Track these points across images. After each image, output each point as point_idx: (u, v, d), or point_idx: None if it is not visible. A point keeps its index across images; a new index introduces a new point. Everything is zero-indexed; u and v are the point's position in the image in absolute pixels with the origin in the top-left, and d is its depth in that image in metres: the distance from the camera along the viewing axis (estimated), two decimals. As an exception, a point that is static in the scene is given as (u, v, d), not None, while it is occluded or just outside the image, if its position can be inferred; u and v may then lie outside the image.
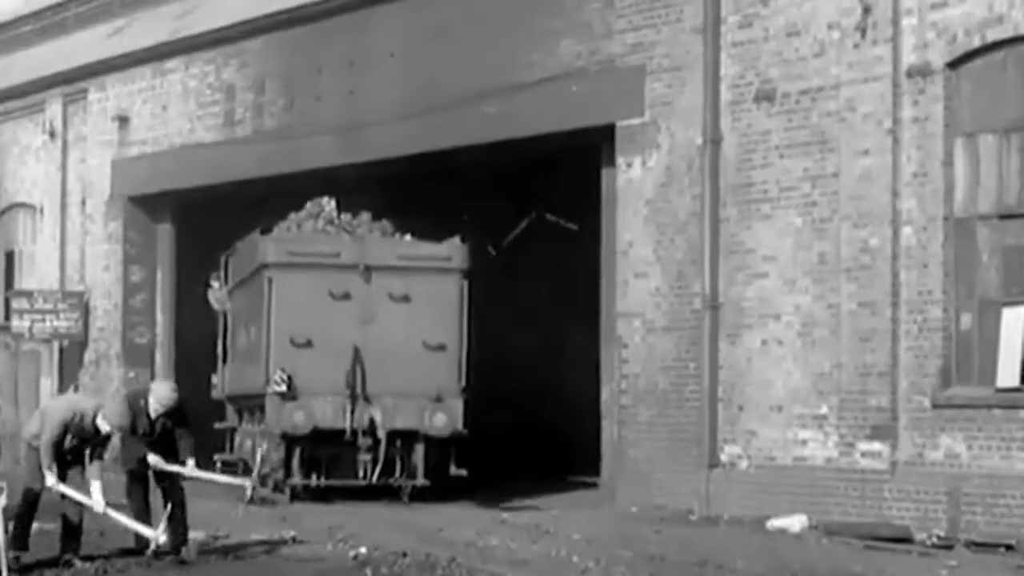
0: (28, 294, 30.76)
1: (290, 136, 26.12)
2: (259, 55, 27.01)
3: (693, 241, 19.96)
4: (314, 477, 21.59)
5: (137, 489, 14.94)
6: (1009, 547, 16.28)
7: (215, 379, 26.50)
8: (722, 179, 19.68)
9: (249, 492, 16.58)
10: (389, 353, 21.45)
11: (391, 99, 24.34)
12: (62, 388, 29.64)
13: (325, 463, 21.61)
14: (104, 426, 14.05)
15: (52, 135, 31.60)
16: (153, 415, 14.70)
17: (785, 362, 18.97)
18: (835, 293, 18.45)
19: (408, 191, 25.29)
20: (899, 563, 15.46)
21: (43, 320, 30.15)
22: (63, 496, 14.18)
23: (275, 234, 22.71)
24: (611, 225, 21.24)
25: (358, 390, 21.42)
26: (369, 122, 24.64)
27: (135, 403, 14.72)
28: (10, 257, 33.64)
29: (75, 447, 14.22)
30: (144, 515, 14.81)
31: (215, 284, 26.54)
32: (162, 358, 29.87)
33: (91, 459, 14.28)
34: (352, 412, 21.37)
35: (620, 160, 20.91)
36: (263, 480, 22.16)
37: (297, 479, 21.54)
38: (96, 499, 14.10)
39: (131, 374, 29.38)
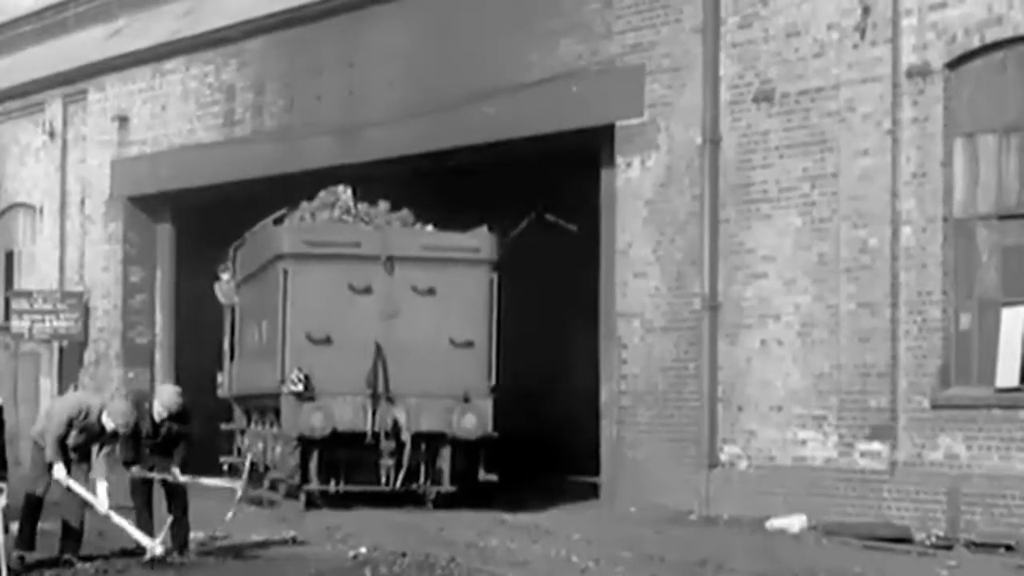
0: (28, 294, 30.75)
1: (290, 136, 26.13)
2: (259, 55, 27.01)
3: (692, 241, 19.96)
4: (332, 483, 20.43)
5: (141, 488, 14.91)
6: (1009, 547, 16.28)
7: (220, 377, 25.63)
8: (721, 179, 19.69)
9: (239, 495, 15.86)
10: (413, 350, 20.42)
11: (391, 99, 24.36)
12: (62, 388, 29.64)
13: (344, 468, 20.45)
14: (109, 424, 14.03)
15: (52, 135, 31.60)
16: (157, 419, 14.67)
17: (784, 362, 18.97)
18: (834, 293, 18.46)
19: (408, 191, 25.23)
20: (898, 563, 15.47)
21: (43, 320, 30.13)
22: (68, 489, 14.15)
23: (291, 223, 21.63)
24: (610, 225, 21.24)
25: (380, 390, 20.37)
26: (369, 122, 24.65)
27: (139, 405, 14.70)
28: (10, 257, 33.62)
29: (80, 444, 14.20)
30: (145, 513, 14.82)
31: (223, 277, 25.46)
32: (162, 358, 29.87)
33: (98, 455, 14.23)
34: (374, 413, 20.31)
35: (619, 160, 20.92)
36: (272, 485, 21.95)
37: (314, 485, 20.40)
38: (101, 499, 14.09)
39: (131, 374, 29.39)
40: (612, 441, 21.12)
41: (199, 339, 27.83)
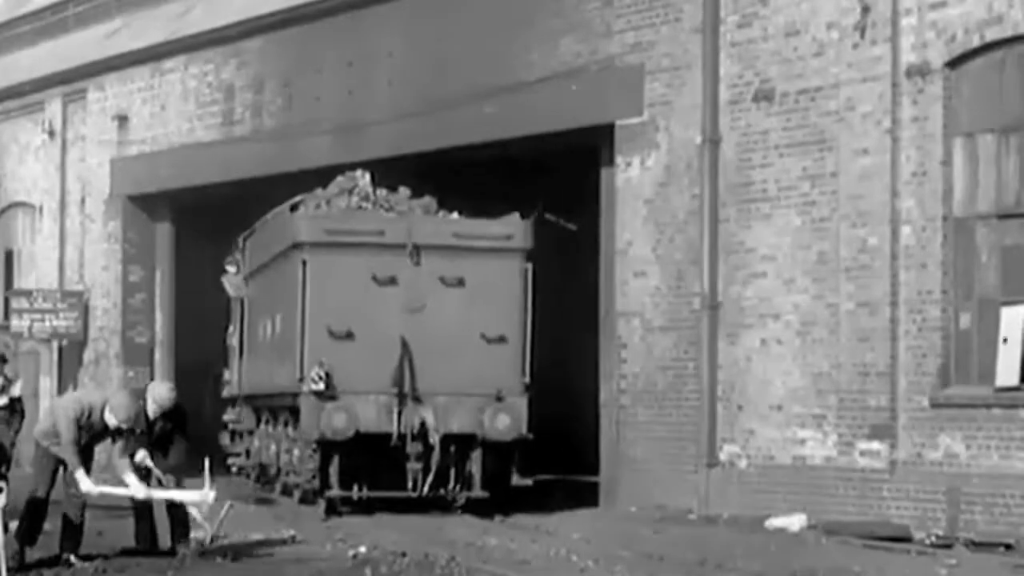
0: (27, 293, 30.76)
1: (289, 136, 26.12)
2: (258, 55, 27.02)
3: (692, 240, 19.96)
4: (355, 488, 19.26)
5: None
6: (1008, 546, 16.28)
7: (227, 375, 24.80)
8: (721, 178, 19.69)
9: (211, 502, 14.52)
10: (441, 346, 19.19)
11: (390, 99, 24.36)
12: (61, 388, 29.65)
13: (367, 472, 19.23)
14: (112, 420, 13.96)
15: (51, 135, 31.60)
16: (151, 416, 14.61)
17: (784, 361, 18.97)
18: (834, 293, 18.46)
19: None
20: (898, 562, 15.46)
21: (42, 319, 30.15)
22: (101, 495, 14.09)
23: (306, 210, 20.33)
24: (610, 224, 21.24)
25: (406, 388, 19.11)
26: (368, 122, 24.64)
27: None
28: (9, 256, 33.64)
29: (85, 444, 14.14)
30: (146, 511, 14.81)
31: (231, 269, 24.53)
32: (161, 357, 29.88)
33: (122, 454, 14.15)
34: (399, 414, 19.09)
35: (619, 159, 20.92)
36: (285, 489, 21.32)
37: (335, 491, 19.19)
38: (134, 485, 14.04)
39: (130, 373, 29.38)
40: (612, 440, 21.12)
41: (199, 338, 27.82)
